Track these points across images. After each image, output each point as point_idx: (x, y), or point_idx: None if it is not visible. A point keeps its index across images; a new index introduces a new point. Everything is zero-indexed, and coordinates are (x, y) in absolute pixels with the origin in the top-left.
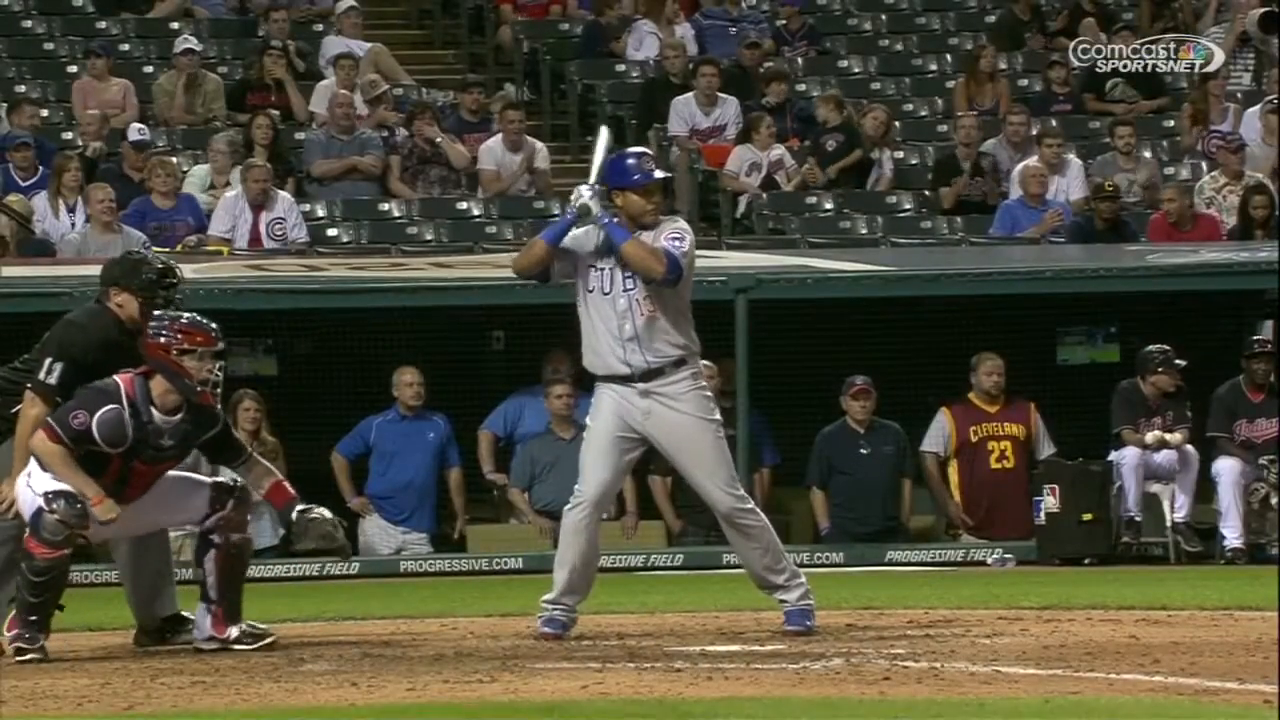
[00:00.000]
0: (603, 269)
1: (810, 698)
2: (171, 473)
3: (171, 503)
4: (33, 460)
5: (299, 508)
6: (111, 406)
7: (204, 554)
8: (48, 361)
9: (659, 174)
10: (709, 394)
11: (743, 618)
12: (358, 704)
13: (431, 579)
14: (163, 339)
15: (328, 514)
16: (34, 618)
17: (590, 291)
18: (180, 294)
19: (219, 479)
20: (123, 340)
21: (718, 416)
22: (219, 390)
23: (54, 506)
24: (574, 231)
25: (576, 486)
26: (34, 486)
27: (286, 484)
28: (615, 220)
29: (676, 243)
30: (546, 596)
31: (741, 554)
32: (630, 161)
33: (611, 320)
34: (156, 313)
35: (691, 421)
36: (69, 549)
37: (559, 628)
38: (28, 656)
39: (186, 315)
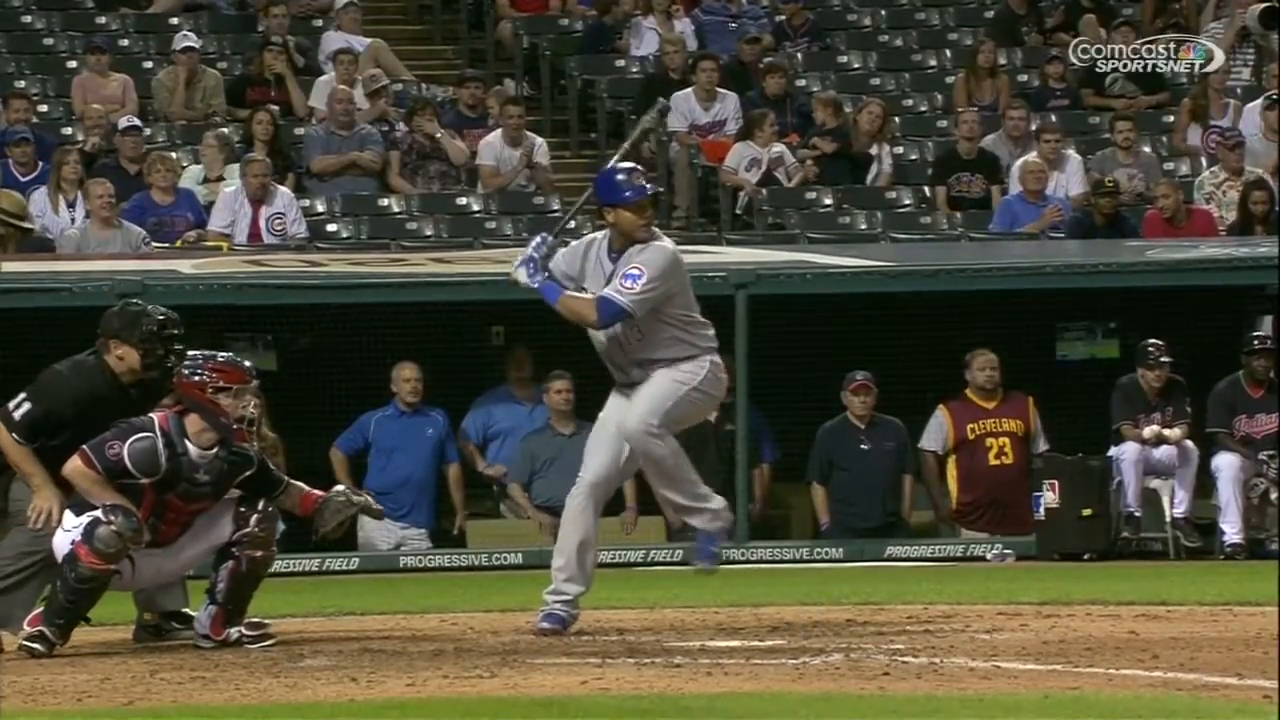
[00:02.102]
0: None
1: (809, 693)
2: None
3: (200, 535)
4: (70, 518)
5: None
6: (144, 435)
7: (222, 562)
8: (22, 396)
9: (650, 189)
10: (703, 373)
11: (742, 613)
12: (357, 699)
13: (431, 574)
14: (198, 378)
15: (339, 490)
16: (60, 621)
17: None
18: (181, 344)
19: (244, 496)
20: (111, 395)
21: (694, 381)
22: (254, 427)
23: (112, 518)
24: (556, 260)
25: (580, 472)
26: (66, 527)
27: (314, 491)
28: (546, 278)
29: (628, 281)
30: (547, 589)
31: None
32: (620, 177)
33: (605, 343)
34: (191, 352)
35: (664, 371)
36: (115, 565)
37: (558, 623)
38: (35, 645)
39: (222, 355)
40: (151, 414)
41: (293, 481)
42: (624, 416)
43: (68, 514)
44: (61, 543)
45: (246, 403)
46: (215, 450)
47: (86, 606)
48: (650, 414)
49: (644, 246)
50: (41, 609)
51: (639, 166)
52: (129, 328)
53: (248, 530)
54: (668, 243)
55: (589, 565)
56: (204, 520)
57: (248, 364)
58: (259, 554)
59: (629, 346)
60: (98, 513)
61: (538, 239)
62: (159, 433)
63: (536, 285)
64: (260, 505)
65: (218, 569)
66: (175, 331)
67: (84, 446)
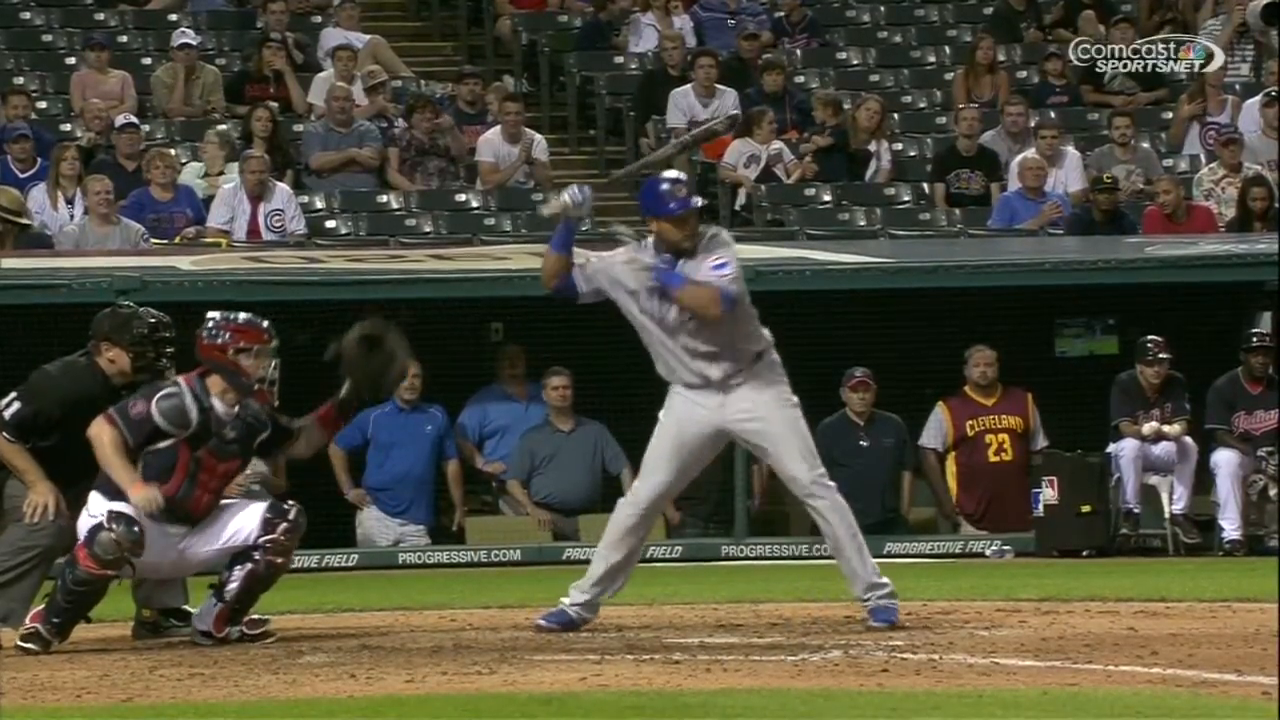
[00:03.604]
0: (654, 296)
1: (808, 689)
2: (225, 502)
3: (225, 529)
4: (98, 500)
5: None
6: (171, 392)
7: (239, 562)
8: (12, 396)
9: (696, 201)
10: (785, 381)
11: (741, 610)
12: (356, 696)
13: (430, 571)
14: (219, 340)
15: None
16: (57, 620)
17: (645, 315)
18: (173, 346)
19: (274, 503)
20: (101, 397)
21: (794, 400)
22: (275, 387)
23: (113, 526)
24: (614, 260)
25: (635, 483)
26: (92, 511)
27: (324, 406)
28: (663, 264)
29: (721, 269)
30: (576, 583)
31: (832, 538)
32: (664, 188)
33: (679, 344)
34: (210, 313)
35: (766, 401)
36: (114, 571)
37: (563, 623)
38: (30, 646)
39: (242, 315)
40: (175, 376)
41: (301, 421)
42: (790, 482)
43: (95, 496)
44: (85, 525)
45: (267, 364)
46: (238, 409)
47: (83, 609)
48: (810, 466)
49: (713, 237)
50: (43, 606)
51: (683, 178)
52: (120, 330)
53: (273, 537)
54: (715, 228)
55: (621, 576)
56: (229, 519)
57: (267, 324)
58: (279, 560)
59: (706, 341)
60: (102, 518)
61: (575, 188)
62: (185, 389)
63: (663, 268)
64: (291, 515)
65: (232, 568)
66: (167, 334)
67: (110, 409)
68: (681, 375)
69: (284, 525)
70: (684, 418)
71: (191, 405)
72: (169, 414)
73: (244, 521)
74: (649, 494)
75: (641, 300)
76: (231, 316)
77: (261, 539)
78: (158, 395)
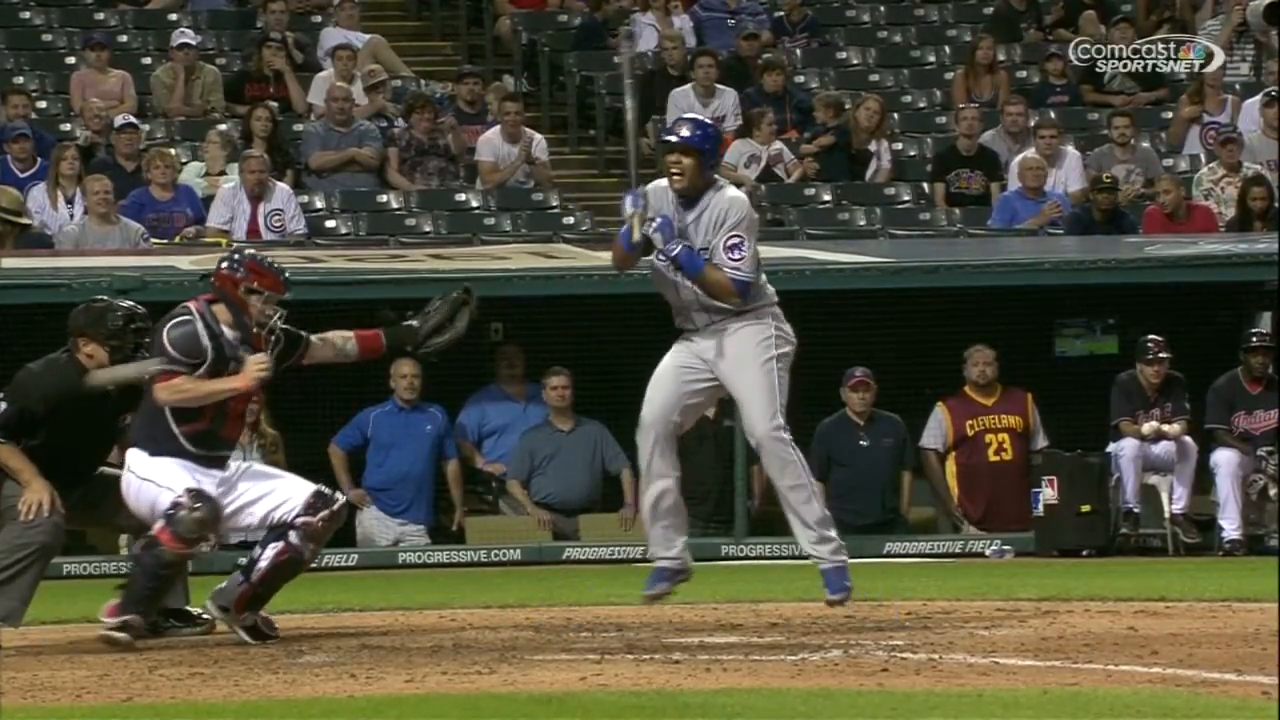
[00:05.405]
0: (668, 265)
1: (808, 689)
2: (279, 470)
3: (273, 495)
4: (138, 457)
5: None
6: (184, 319)
7: (272, 540)
8: None
9: (678, 139)
10: (771, 331)
11: (741, 609)
12: (356, 695)
13: (429, 571)
14: (235, 274)
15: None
16: (141, 608)
17: (655, 257)
18: (149, 336)
19: (323, 489)
20: (84, 392)
21: (774, 351)
22: (273, 337)
23: (196, 506)
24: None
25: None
26: (157, 480)
27: (366, 332)
28: (685, 246)
29: (735, 253)
30: (648, 546)
31: (777, 490)
32: (674, 123)
33: (671, 286)
34: (237, 244)
35: (742, 344)
36: (195, 550)
37: (662, 578)
38: (120, 635)
39: (260, 254)
40: (187, 302)
41: (320, 336)
42: (748, 428)
43: (134, 453)
44: (150, 495)
45: (272, 311)
46: (241, 336)
47: (166, 592)
48: (770, 416)
49: (723, 200)
50: (117, 601)
51: (692, 118)
52: (95, 325)
53: (311, 520)
54: (738, 193)
55: (669, 506)
56: (278, 487)
57: (285, 273)
58: (311, 547)
59: (696, 297)
60: (181, 497)
61: (631, 196)
62: (195, 315)
63: (675, 252)
64: (335, 506)
65: (266, 545)
66: (142, 324)
67: (152, 371)
68: (678, 319)
69: (325, 512)
70: (678, 352)
71: (203, 332)
72: (179, 342)
73: (291, 493)
74: (646, 415)
75: (650, 230)
76: (254, 255)
77: (299, 518)
78: (169, 324)
